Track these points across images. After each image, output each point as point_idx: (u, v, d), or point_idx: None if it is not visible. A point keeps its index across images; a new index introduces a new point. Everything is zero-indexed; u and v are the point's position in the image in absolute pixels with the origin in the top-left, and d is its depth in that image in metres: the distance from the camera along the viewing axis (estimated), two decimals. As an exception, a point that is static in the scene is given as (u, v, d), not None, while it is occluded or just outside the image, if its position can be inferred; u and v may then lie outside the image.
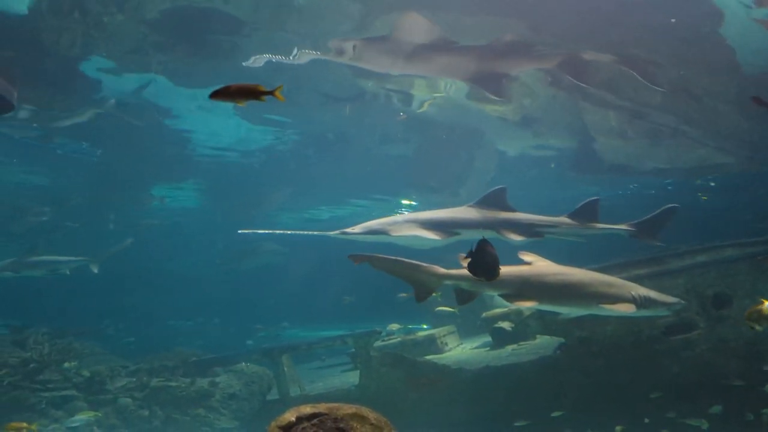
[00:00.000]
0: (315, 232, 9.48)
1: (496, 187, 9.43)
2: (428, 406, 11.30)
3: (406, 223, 9.06)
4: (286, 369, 12.98)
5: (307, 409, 4.75)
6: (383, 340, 13.56)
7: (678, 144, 15.98)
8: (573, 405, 10.07)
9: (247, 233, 9.76)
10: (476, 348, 13.38)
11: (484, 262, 5.80)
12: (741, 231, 11.10)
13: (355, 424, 4.61)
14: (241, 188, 21.15)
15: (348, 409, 4.76)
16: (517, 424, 9.61)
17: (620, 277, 7.84)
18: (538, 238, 9.21)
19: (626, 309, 7.06)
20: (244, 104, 4.25)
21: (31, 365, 12.45)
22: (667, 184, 20.44)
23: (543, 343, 11.80)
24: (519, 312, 13.48)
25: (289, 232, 9.89)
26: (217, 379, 13.12)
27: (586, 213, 9.38)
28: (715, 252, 10.49)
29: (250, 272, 27.91)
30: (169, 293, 29.05)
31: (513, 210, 9.33)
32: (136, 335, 22.12)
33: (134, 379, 12.93)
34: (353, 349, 14.04)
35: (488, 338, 13.16)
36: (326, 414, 4.68)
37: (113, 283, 25.20)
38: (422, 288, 7.16)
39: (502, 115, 15.07)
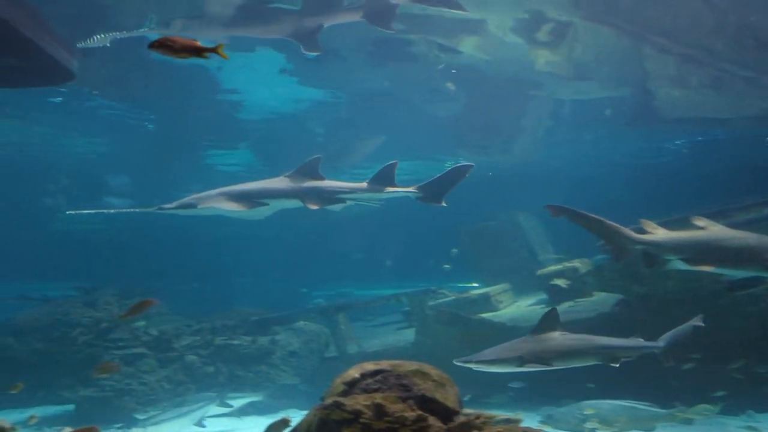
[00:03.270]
0: (137, 209, 9.89)
1: (311, 157, 9.59)
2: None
3: (217, 195, 9.42)
4: (342, 327, 13.28)
5: (370, 366, 4.84)
6: (437, 299, 13.67)
7: (741, 92, 15.21)
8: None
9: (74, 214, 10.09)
10: (531, 305, 13.33)
11: None
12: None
13: (417, 381, 4.66)
14: (294, 150, 21.35)
15: (410, 365, 4.82)
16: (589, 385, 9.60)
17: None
18: (340, 204, 9.47)
19: None
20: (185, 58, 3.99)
21: (103, 324, 13.09)
22: (730, 134, 19.54)
23: (600, 299, 11.66)
24: (574, 269, 13.34)
25: (112, 211, 10.37)
26: (277, 337, 13.50)
27: (384, 177, 9.40)
28: (782, 205, 10.09)
29: (311, 230, 28.17)
30: (230, 252, 29.74)
31: (322, 178, 9.53)
32: (197, 295, 22.87)
33: (198, 338, 13.46)
34: (407, 308, 14.23)
35: (543, 296, 13.09)
36: (389, 371, 4.74)
37: (176, 244, 25.96)
38: (618, 249, 7.41)
39: (554, 66, 14.60)
